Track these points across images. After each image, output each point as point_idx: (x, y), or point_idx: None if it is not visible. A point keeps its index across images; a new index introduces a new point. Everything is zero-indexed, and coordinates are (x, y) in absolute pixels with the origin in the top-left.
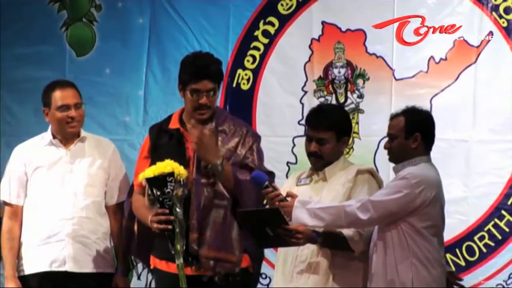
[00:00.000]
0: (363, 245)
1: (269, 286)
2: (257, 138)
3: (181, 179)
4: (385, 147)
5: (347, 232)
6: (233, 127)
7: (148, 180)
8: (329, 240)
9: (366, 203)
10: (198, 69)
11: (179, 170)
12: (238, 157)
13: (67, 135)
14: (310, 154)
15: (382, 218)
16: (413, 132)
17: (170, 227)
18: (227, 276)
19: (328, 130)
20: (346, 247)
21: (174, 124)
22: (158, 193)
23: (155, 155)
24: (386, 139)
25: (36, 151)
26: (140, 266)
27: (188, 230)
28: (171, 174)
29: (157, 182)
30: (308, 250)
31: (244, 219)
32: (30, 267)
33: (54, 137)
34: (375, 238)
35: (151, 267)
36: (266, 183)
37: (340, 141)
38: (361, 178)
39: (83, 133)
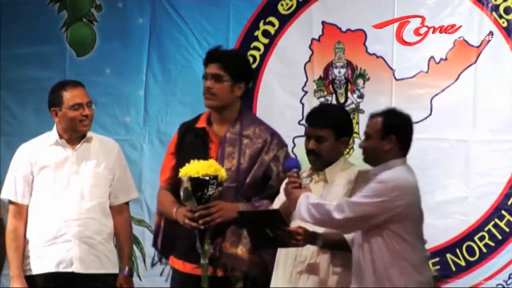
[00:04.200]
0: None
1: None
2: (283, 146)
3: (221, 182)
4: (359, 146)
5: (349, 236)
6: (258, 132)
7: (192, 179)
8: (329, 242)
9: (342, 203)
10: (208, 54)
11: (221, 173)
12: (261, 166)
13: (77, 134)
14: (308, 152)
15: (358, 219)
16: (389, 134)
17: (202, 227)
18: (245, 279)
19: (326, 128)
20: (346, 248)
21: (201, 123)
22: (199, 193)
23: (180, 153)
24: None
25: (42, 151)
26: (164, 263)
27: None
28: (215, 177)
29: (200, 182)
30: (308, 251)
31: (244, 220)
32: (36, 267)
33: (60, 137)
34: (360, 242)
35: (171, 267)
36: (295, 169)
37: (339, 140)
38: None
39: (89, 133)
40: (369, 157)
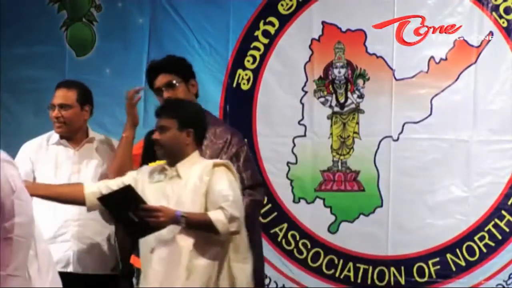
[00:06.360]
0: (229, 227)
1: (269, 286)
2: (243, 144)
3: None
4: None
5: (213, 214)
6: (218, 133)
7: None
8: (193, 222)
9: None
10: (150, 68)
11: None
12: None
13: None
14: (154, 144)
15: None
16: None
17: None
18: None
19: (168, 118)
20: (213, 230)
21: None
22: None
23: (145, 159)
24: (387, 139)
25: (44, 150)
26: None
27: None
28: None
29: None
30: (168, 230)
31: (107, 206)
32: None
33: (62, 136)
34: None
35: (134, 266)
36: None
37: (183, 131)
38: (219, 170)
39: (91, 133)
40: None
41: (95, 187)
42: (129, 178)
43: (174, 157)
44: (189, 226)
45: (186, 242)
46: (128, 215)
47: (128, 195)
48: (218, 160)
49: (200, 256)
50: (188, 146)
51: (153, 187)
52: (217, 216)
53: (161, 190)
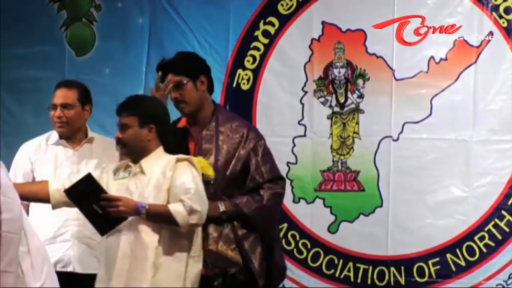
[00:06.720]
0: (189, 219)
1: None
2: (260, 139)
3: (207, 181)
4: None
5: (173, 206)
6: (234, 127)
7: None
8: (153, 213)
9: None
10: (159, 67)
11: (208, 172)
12: (238, 160)
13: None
14: (116, 143)
15: None
16: None
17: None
18: (225, 276)
19: (129, 116)
20: (172, 221)
21: (182, 123)
22: None
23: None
24: (386, 139)
25: (43, 150)
26: None
27: None
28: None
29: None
30: (130, 222)
31: (74, 202)
32: None
33: (61, 136)
34: None
35: None
36: None
37: (144, 127)
38: (182, 165)
39: (90, 133)
40: None
41: (60, 183)
42: (94, 175)
43: (137, 154)
44: (149, 217)
45: (151, 238)
46: (93, 207)
47: (89, 185)
48: (181, 156)
49: (167, 253)
50: (150, 142)
51: (117, 183)
52: (176, 208)
53: (125, 186)
